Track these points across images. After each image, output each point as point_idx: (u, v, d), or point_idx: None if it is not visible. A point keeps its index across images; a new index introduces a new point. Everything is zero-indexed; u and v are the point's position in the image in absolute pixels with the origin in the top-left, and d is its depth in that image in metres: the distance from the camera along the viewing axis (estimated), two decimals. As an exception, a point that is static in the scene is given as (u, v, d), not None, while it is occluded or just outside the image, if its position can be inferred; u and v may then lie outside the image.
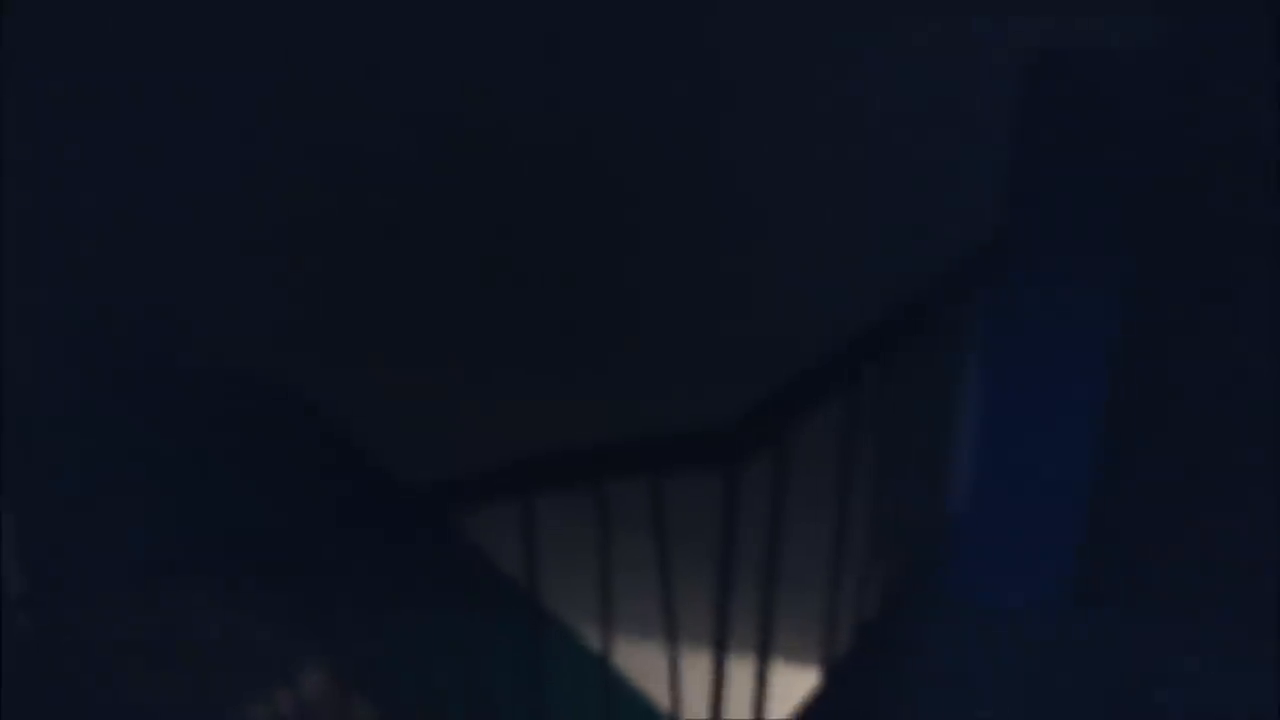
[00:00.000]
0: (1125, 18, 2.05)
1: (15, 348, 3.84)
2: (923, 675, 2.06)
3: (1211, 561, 2.17)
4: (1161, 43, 2.06)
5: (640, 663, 2.76)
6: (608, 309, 3.55)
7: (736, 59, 3.06)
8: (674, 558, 1.64)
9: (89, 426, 3.96)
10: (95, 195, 4.04)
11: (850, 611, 2.05)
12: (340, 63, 3.75)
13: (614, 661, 1.88)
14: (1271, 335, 2.09)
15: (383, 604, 2.26)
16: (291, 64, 3.80)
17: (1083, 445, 1.99)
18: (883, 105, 2.78)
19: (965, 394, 2.18)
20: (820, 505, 1.80)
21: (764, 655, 1.72)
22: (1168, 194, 2.02)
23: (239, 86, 3.90)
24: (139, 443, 4.01)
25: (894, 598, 2.19)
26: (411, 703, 2.89)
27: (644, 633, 2.20)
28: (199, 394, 4.15)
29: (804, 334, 1.90)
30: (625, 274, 3.48)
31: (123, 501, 3.77)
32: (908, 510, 2.14)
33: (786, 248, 3.07)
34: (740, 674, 1.70)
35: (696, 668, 1.79)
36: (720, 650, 1.64)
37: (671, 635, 1.73)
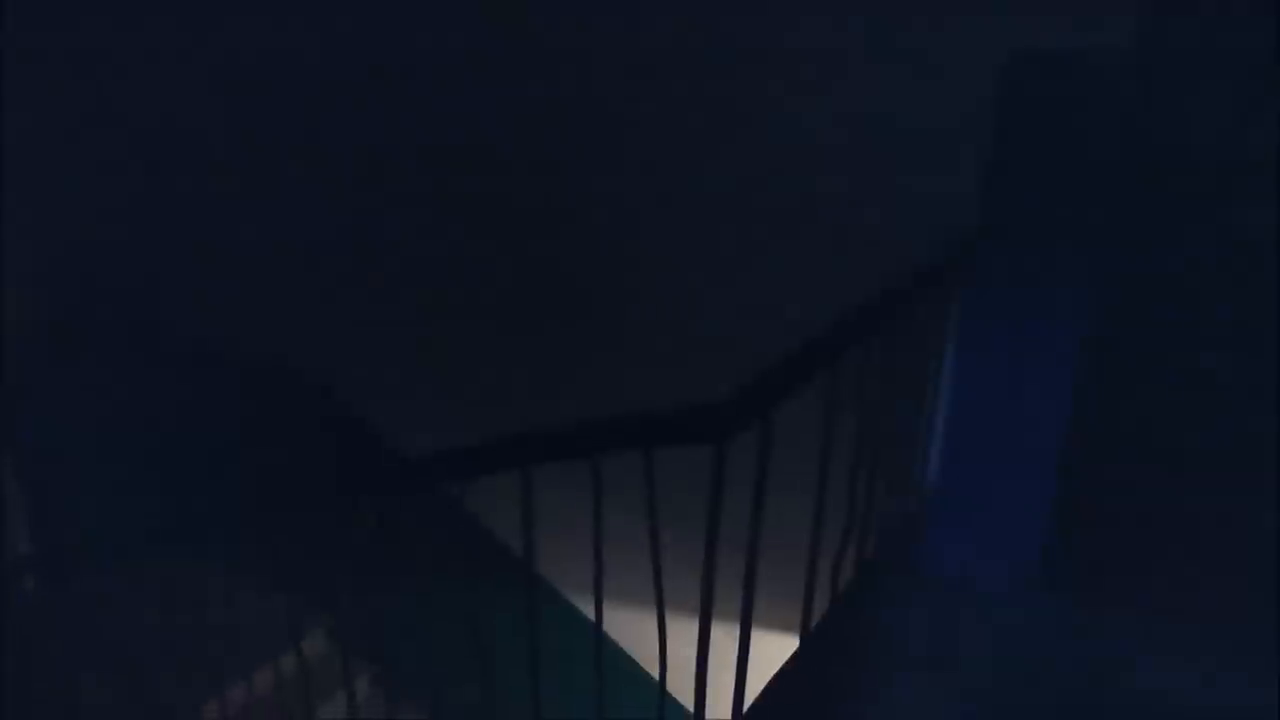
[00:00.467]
0: (1104, 17, 2.08)
1: (20, 318, 3.87)
2: (894, 645, 2.13)
3: (1182, 543, 2.24)
4: (1140, 42, 2.10)
5: (628, 627, 2.84)
6: (604, 293, 3.59)
7: (725, 54, 3.09)
8: (663, 528, 1.72)
9: (94, 395, 4.00)
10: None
11: (827, 582, 2.13)
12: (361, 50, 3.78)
13: (604, 626, 1.94)
14: (1245, 328, 2.14)
15: (381, 571, 2.31)
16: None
17: (1054, 427, 2.05)
18: (864, 100, 2.82)
19: (941, 377, 2.25)
20: (800, 480, 1.88)
21: (746, 621, 1.80)
22: (1141, 189, 2.08)
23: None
24: (145, 412, 4.05)
25: (869, 570, 2.27)
26: (409, 667, 2.96)
27: (633, 599, 2.28)
28: (201, 364, 4.19)
29: (788, 317, 1.97)
30: (620, 260, 3.53)
31: (126, 468, 3.82)
32: (883, 487, 2.21)
33: (773, 237, 3.12)
34: (723, 639, 1.78)
35: (682, 632, 1.86)
36: (705, 617, 1.73)
37: (659, 601, 1.80)
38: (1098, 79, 1.94)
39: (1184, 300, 2.18)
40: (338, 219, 4.09)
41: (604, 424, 1.67)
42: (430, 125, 3.78)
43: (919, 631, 2.16)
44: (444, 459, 1.94)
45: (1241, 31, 2.01)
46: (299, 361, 4.30)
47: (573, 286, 3.65)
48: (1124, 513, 2.29)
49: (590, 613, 1.93)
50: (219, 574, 2.80)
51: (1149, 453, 2.27)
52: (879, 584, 2.27)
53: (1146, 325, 2.22)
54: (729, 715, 1.90)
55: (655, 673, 1.91)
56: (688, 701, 1.83)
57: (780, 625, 2.19)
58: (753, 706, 1.96)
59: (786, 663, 2.08)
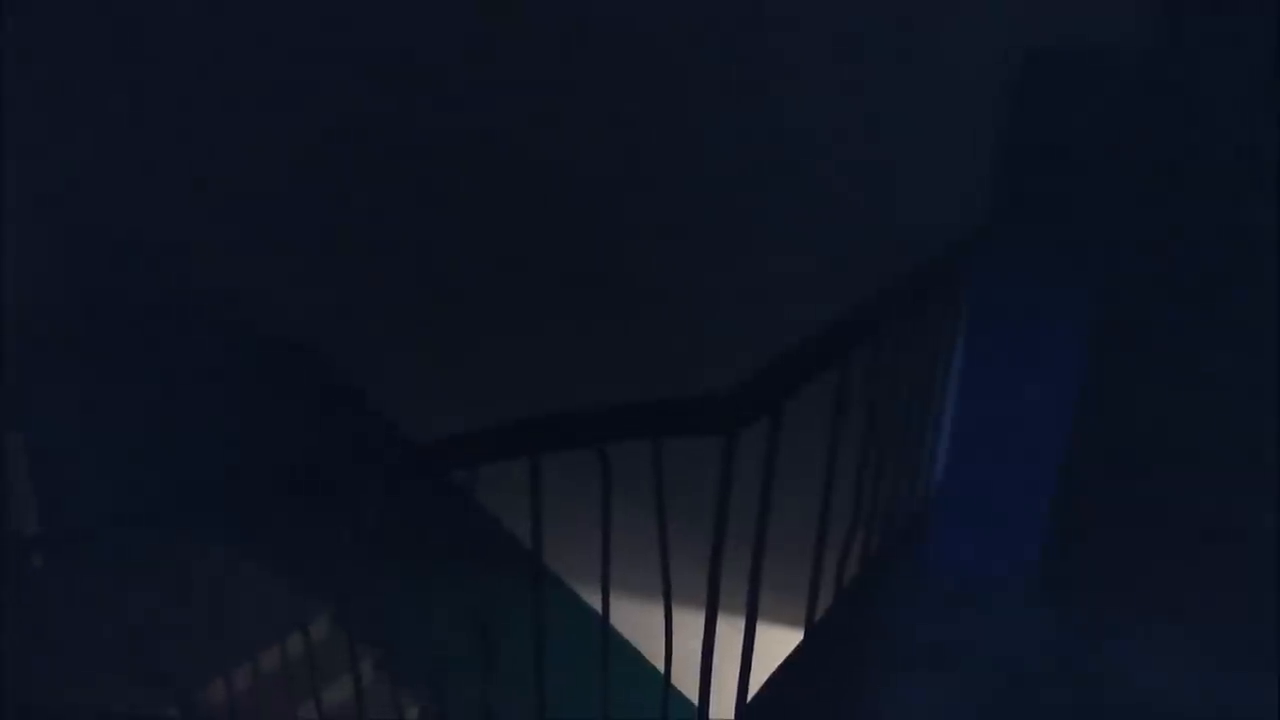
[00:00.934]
0: (1116, 18, 2.08)
1: (27, 301, 3.88)
2: (897, 641, 2.14)
3: (1183, 543, 2.25)
4: (1152, 42, 2.10)
5: (633, 619, 2.85)
6: (613, 284, 3.60)
7: (732, 50, 3.09)
8: (670, 518, 1.72)
9: (99, 370, 4.01)
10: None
11: (832, 578, 2.14)
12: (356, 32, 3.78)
13: (611, 617, 1.95)
14: (1249, 328, 2.15)
15: (386, 557, 2.32)
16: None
17: (1057, 427, 2.06)
18: (875, 96, 2.81)
19: (949, 374, 2.26)
20: (806, 476, 1.88)
21: (751, 614, 1.81)
22: (1148, 189, 2.08)
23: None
24: (153, 395, 4.06)
25: (874, 567, 2.28)
26: (414, 653, 2.98)
27: (638, 591, 2.29)
28: (209, 348, 4.20)
29: (795, 314, 1.97)
30: (629, 251, 3.53)
31: (134, 451, 3.83)
32: (889, 484, 2.22)
33: (787, 231, 3.13)
34: (727, 632, 1.79)
35: (687, 625, 1.87)
36: (711, 610, 1.73)
37: (666, 593, 1.81)
38: (1108, 79, 1.95)
39: (1188, 300, 2.19)
40: (347, 207, 4.09)
41: (613, 412, 1.67)
42: (437, 116, 3.78)
43: (922, 628, 2.17)
44: (451, 445, 1.94)
45: (1251, 32, 2.02)
46: (307, 346, 4.31)
47: (581, 277, 3.65)
48: (1126, 513, 2.30)
49: (595, 603, 1.94)
50: (225, 556, 2.82)
51: (1152, 453, 2.28)
52: (883, 580, 2.28)
53: (1151, 325, 2.23)
54: (732, 708, 1.91)
55: (660, 665, 1.92)
56: (692, 694, 1.84)
57: (785, 620, 2.20)
58: (756, 698, 1.97)
59: (790, 656, 2.09)
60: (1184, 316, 2.22)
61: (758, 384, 1.62)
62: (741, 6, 3.04)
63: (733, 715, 1.92)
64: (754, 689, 1.94)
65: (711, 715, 1.85)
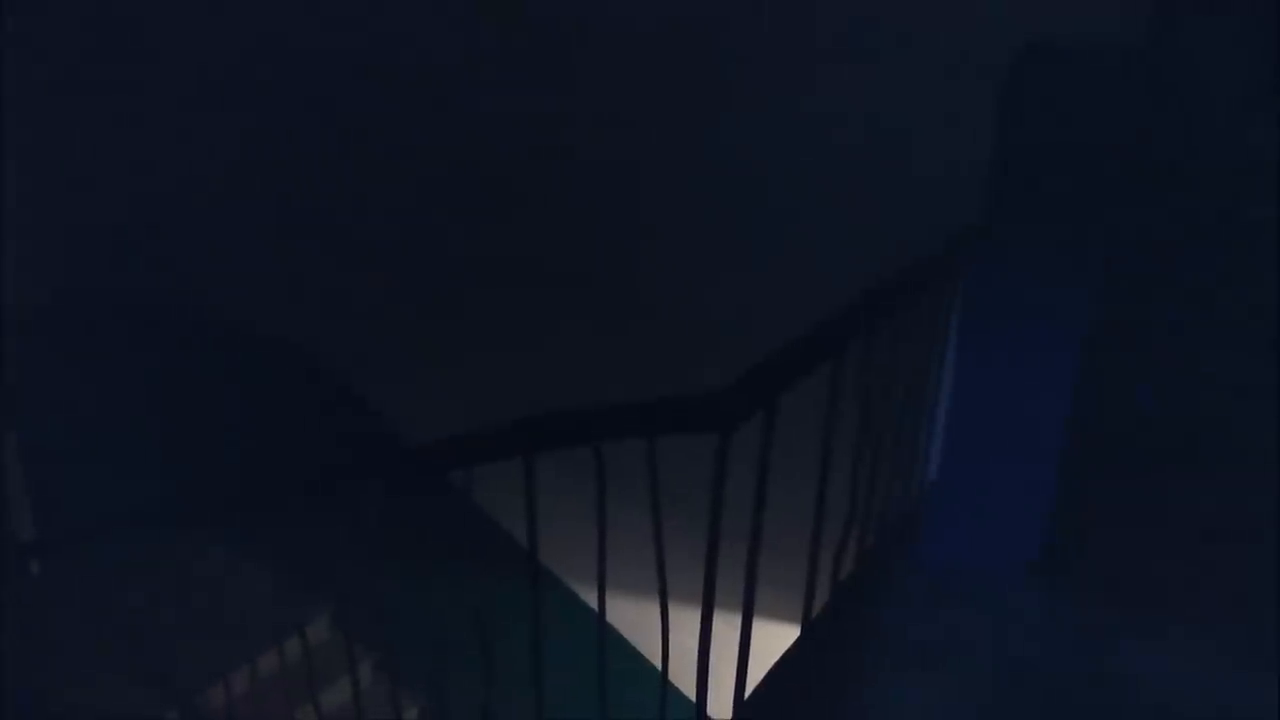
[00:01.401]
0: (1111, 15, 2.08)
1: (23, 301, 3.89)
2: (893, 637, 2.14)
3: (1182, 541, 2.25)
4: (1150, 39, 2.10)
5: (630, 616, 2.86)
6: (607, 283, 3.60)
7: (731, 51, 3.10)
8: (665, 516, 1.73)
9: (98, 379, 4.02)
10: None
11: (828, 573, 2.14)
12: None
13: (608, 614, 1.96)
14: (1247, 327, 2.15)
15: (384, 558, 2.32)
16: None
17: (1054, 423, 2.06)
18: (873, 94, 2.82)
19: (943, 371, 2.26)
20: (802, 471, 1.89)
21: (748, 611, 1.81)
22: (1145, 186, 2.08)
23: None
24: (151, 397, 4.07)
25: (870, 563, 2.28)
26: (412, 655, 2.97)
27: (634, 588, 2.29)
28: (206, 349, 4.21)
29: (794, 305, 1.97)
30: (623, 250, 3.54)
31: (131, 452, 3.84)
32: (885, 479, 2.22)
33: (782, 228, 3.13)
34: (724, 629, 1.79)
35: (684, 622, 1.87)
36: (707, 607, 1.73)
37: (662, 591, 1.81)
38: (1103, 76, 1.95)
39: (1186, 298, 2.19)
40: (342, 208, 4.10)
41: (608, 411, 1.68)
42: (437, 117, 3.79)
43: (919, 624, 2.17)
44: (448, 445, 1.95)
45: (1248, 31, 2.02)
46: (303, 347, 4.32)
47: (576, 276, 3.66)
48: (1124, 510, 2.30)
49: (592, 601, 1.94)
50: (224, 558, 2.82)
51: (1149, 450, 2.28)
52: (880, 576, 2.28)
53: (1148, 322, 2.23)
54: (730, 704, 1.91)
55: (657, 662, 1.93)
56: (689, 692, 1.84)
57: (781, 616, 2.20)
58: (753, 694, 1.97)
59: (787, 652, 2.09)
60: (1181, 314, 2.22)
61: (752, 381, 1.62)
62: (741, 7, 3.05)
63: (730, 712, 1.92)
64: (751, 686, 1.94)
65: (709, 712, 1.85)
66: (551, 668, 2.02)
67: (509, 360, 3.84)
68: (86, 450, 3.83)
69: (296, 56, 3.92)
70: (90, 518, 3.00)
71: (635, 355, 3.45)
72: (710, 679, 1.81)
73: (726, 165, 3.17)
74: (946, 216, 2.10)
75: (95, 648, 3.15)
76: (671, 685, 1.94)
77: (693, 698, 1.84)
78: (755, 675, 1.96)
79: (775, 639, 2.08)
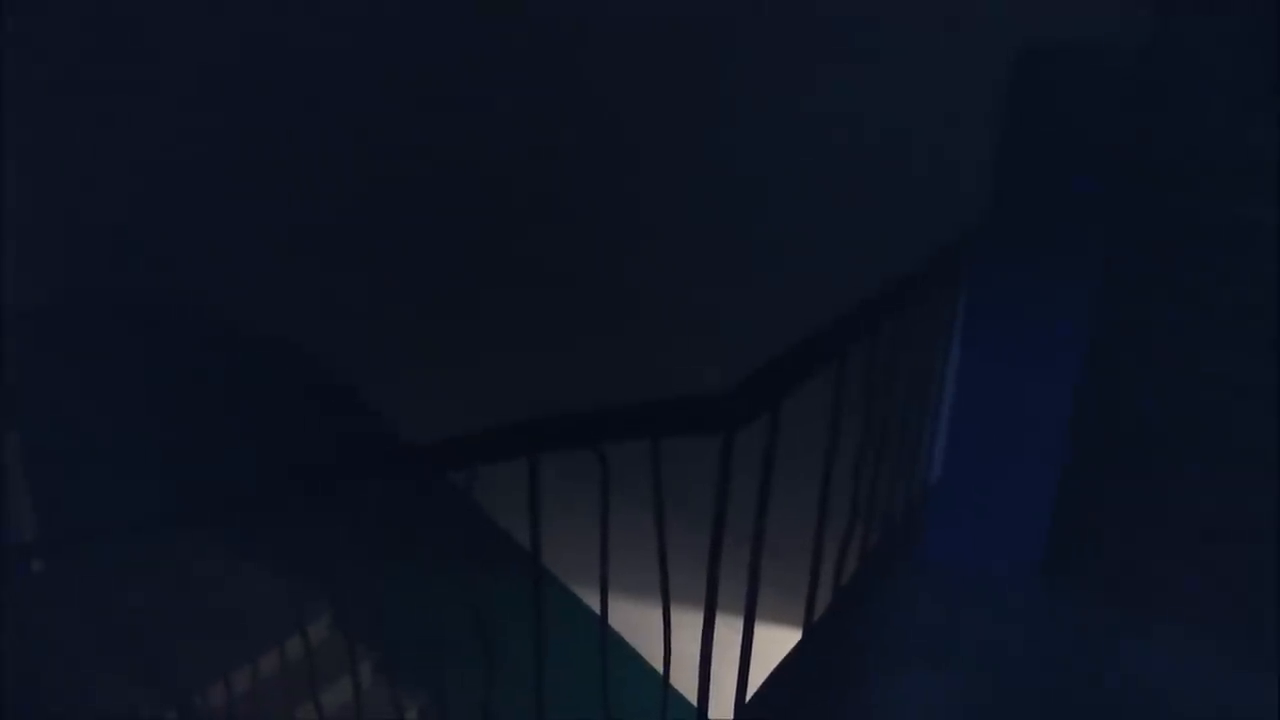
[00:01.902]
0: (1110, 15, 2.08)
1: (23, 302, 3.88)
2: (897, 637, 2.14)
3: (1183, 540, 2.24)
4: (1150, 39, 2.10)
5: (633, 618, 2.85)
6: (612, 285, 3.60)
7: (731, 52, 3.09)
8: (669, 519, 1.72)
9: (98, 379, 4.01)
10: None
11: (831, 574, 2.14)
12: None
13: (609, 617, 1.95)
14: (1247, 327, 2.14)
15: (385, 558, 2.32)
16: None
17: (1057, 423, 2.06)
18: (875, 94, 2.82)
19: (946, 371, 2.26)
20: (806, 471, 1.88)
21: (750, 614, 1.81)
22: (1146, 185, 2.08)
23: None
24: (151, 396, 4.06)
25: (873, 563, 2.28)
26: (413, 655, 2.98)
27: (637, 591, 2.29)
28: (207, 349, 4.20)
29: (796, 310, 1.97)
30: (628, 252, 3.53)
31: (131, 452, 3.83)
32: (888, 480, 2.22)
33: (784, 230, 3.13)
34: (725, 632, 1.79)
35: (686, 625, 1.87)
36: (710, 608, 1.73)
37: (664, 593, 1.81)
38: (1106, 76, 1.95)
39: (1187, 298, 2.18)
40: (344, 210, 4.10)
41: (611, 413, 1.68)
42: (437, 118, 3.78)
43: (922, 624, 2.17)
44: (450, 446, 1.94)
45: (1248, 31, 2.01)
46: (305, 347, 4.31)
47: (577, 277, 3.65)
48: (1126, 510, 2.29)
49: (594, 603, 1.94)
50: (224, 558, 2.82)
51: (1150, 450, 2.27)
52: (882, 575, 2.28)
53: (1149, 322, 2.22)
54: (731, 707, 1.91)
55: (658, 665, 1.93)
56: (691, 694, 1.84)
57: (783, 619, 2.20)
58: (756, 695, 1.97)
59: (790, 652, 2.09)
60: (1183, 313, 2.22)
61: (756, 383, 1.62)
62: (741, 8, 3.05)
63: (731, 715, 1.92)
64: (752, 688, 1.94)
65: (710, 715, 1.85)
66: (553, 669, 2.01)
67: (509, 360, 3.84)
68: (87, 450, 3.82)
69: (296, 56, 3.92)
70: (90, 518, 3.00)
71: (636, 356, 3.44)
72: (711, 681, 1.81)
73: (727, 166, 3.17)
74: (948, 217, 2.10)
75: (95, 648, 3.15)
76: (672, 688, 1.94)
77: (694, 700, 1.84)
78: (757, 678, 1.95)
79: (776, 643, 2.08)
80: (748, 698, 1.93)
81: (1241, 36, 2.03)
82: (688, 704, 1.87)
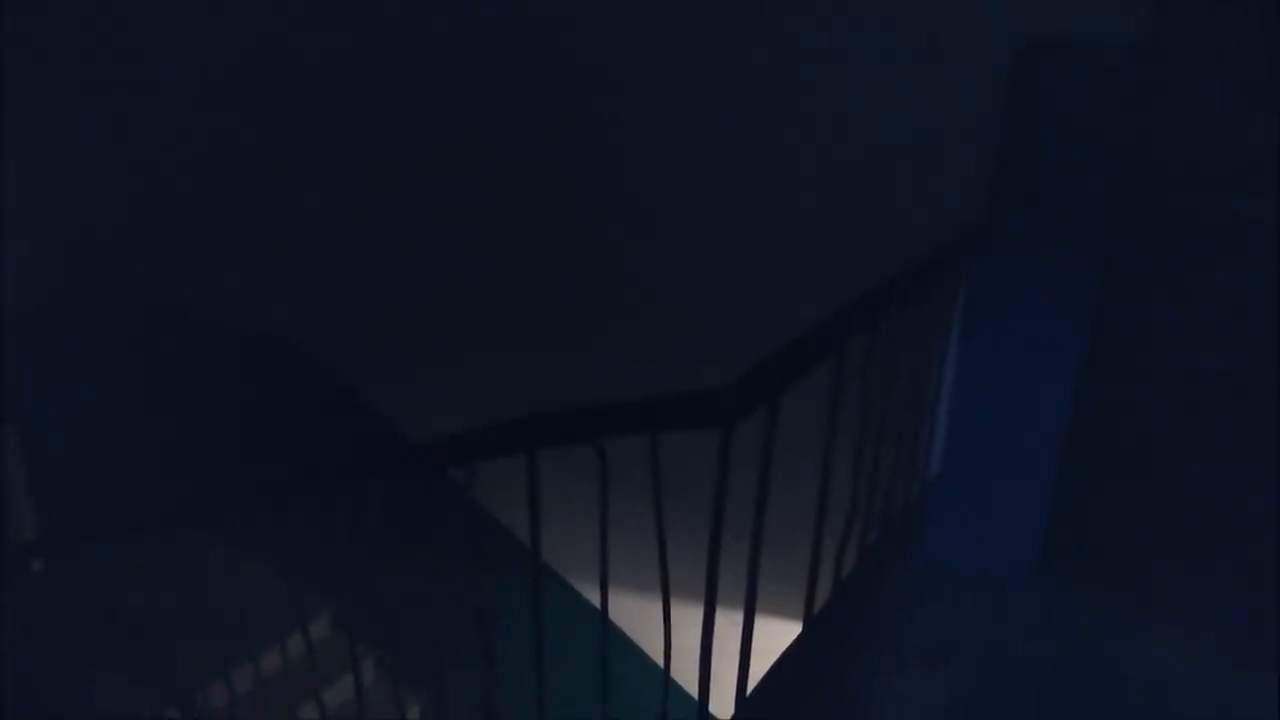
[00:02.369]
0: (1107, 11, 2.08)
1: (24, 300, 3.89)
2: (895, 632, 2.15)
3: (1182, 538, 2.24)
4: (1150, 36, 2.10)
5: (633, 613, 2.85)
6: (610, 280, 3.60)
7: (730, 50, 3.09)
8: (667, 513, 1.73)
9: (97, 370, 4.01)
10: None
11: (830, 569, 2.14)
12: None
13: (610, 611, 1.96)
14: (1246, 324, 2.15)
15: (386, 556, 2.32)
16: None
17: (1056, 420, 2.06)
18: (874, 89, 2.82)
19: (944, 367, 2.26)
20: (804, 467, 1.89)
21: (750, 608, 1.81)
22: (1146, 180, 2.08)
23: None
24: (152, 395, 4.06)
25: (871, 558, 2.28)
26: (414, 652, 2.97)
27: (637, 585, 2.29)
28: (208, 348, 4.21)
29: (795, 305, 1.98)
30: (626, 248, 3.54)
31: (133, 451, 3.84)
32: (886, 475, 2.22)
33: (783, 228, 3.13)
34: (726, 626, 1.79)
35: (686, 619, 1.88)
36: (710, 602, 1.74)
37: (664, 587, 1.82)
38: (1106, 73, 1.95)
39: (1186, 295, 2.19)
40: (346, 208, 4.10)
41: (610, 408, 1.68)
42: (436, 117, 3.79)
43: (920, 619, 2.17)
44: (450, 443, 1.95)
45: (1249, 28, 2.01)
46: (305, 346, 4.32)
47: (578, 274, 3.66)
48: (1125, 507, 2.30)
49: (594, 598, 1.94)
50: (225, 558, 2.82)
51: (1150, 447, 2.28)
52: (881, 572, 2.29)
53: (1148, 320, 2.22)
54: (731, 701, 1.91)
55: (658, 659, 1.93)
56: (691, 688, 1.84)
57: (783, 613, 2.20)
58: (755, 690, 1.97)
59: (789, 648, 2.09)
60: (1182, 311, 2.22)
61: (755, 377, 1.62)
62: (741, 7, 3.05)
63: (732, 709, 1.92)
64: (753, 682, 1.94)
65: (710, 709, 1.85)
66: (553, 664, 2.02)
67: (508, 360, 3.84)
68: (87, 450, 3.82)
69: (296, 56, 3.93)
70: (91, 517, 3.00)
71: (636, 354, 3.45)
72: (712, 675, 1.81)
73: (727, 164, 3.18)
74: (948, 214, 2.10)
75: (96, 647, 3.15)
76: (673, 682, 1.94)
77: (694, 695, 1.84)
78: (757, 672, 1.96)
79: (777, 636, 2.08)
80: (748, 692, 1.93)
81: (1242, 34, 2.03)
82: (689, 698, 1.87)
